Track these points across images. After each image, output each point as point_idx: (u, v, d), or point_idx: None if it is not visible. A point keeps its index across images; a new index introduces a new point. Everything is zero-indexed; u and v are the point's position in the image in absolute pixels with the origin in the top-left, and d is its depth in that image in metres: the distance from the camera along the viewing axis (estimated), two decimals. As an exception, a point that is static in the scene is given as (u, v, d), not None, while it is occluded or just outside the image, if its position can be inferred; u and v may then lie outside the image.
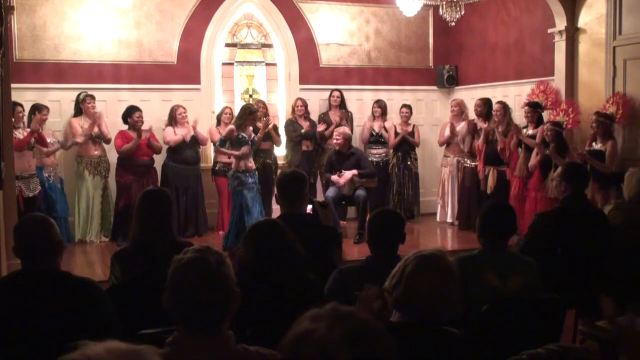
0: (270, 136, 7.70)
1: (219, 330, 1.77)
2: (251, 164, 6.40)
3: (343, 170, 7.18)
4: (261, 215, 6.24)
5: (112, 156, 7.34)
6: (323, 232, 3.83)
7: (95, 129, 7.20)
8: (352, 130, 8.02)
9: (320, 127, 8.11)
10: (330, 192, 7.23)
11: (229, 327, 1.82)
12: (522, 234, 4.74)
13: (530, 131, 6.87)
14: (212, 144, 7.88)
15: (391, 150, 8.32)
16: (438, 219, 8.36)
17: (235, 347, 1.79)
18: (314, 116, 8.34)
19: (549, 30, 7.37)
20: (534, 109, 6.93)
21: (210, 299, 1.76)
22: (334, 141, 7.47)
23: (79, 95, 7.32)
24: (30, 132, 6.44)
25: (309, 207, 6.15)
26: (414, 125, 8.38)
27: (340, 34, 8.76)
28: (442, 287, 2.08)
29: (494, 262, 2.97)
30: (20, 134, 6.45)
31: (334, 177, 7.22)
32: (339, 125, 8.02)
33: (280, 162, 8.12)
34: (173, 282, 1.81)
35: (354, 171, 7.17)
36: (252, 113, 6.46)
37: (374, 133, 8.31)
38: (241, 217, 6.25)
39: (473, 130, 7.66)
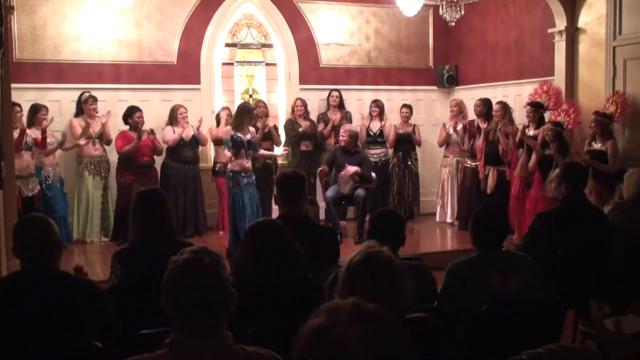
0: (271, 135, 7.71)
1: (217, 330, 1.78)
2: (248, 164, 6.36)
3: (347, 165, 7.18)
4: (255, 216, 6.20)
5: (113, 156, 7.34)
6: (321, 233, 3.83)
7: (98, 128, 7.21)
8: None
9: (321, 127, 8.10)
10: (330, 192, 7.23)
11: (227, 328, 1.82)
12: (523, 234, 4.74)
13: (532, 132, 6.87)
14: (212, 144, 7.89)
15: (391, 150, 8.32)
16: (438, 219, 8.36)
17: (234, 348, 1.79)
18: (313, 116, 8.33)
19: (549, 30, 7.37)
20: (536, 109, 6.93)
21: (206, 300, 1.76)
22: (340, 137, 7.47)
23: (81, 94, 7.32)
24: (22, 130, 6.41)
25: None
26: (414, 125, 8.38)
27: (340, 34, 8.76)
28: (393, 282, 2.04)
29: (494, 263, 2.96)
30: (17, 134, 6.44)
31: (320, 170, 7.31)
32: (337, 125, 8.03)
33: (280, 162, 8.12)
34: (169, 283, 1.81)
35: (357, 168, 7.16)
36: (249, 111, 6.44)
37: (371, 133, 8.31)
38: (238, 218, 6.23)
39: (475, 130, 7.65)
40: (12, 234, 2.72)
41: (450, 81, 8.99)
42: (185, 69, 8.07)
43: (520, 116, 7.52)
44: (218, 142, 7.57)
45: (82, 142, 7.11)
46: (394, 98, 8.84)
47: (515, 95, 7.96)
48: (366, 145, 8.31)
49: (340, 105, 8.36)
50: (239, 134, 6.22)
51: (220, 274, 1.82)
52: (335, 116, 8.22)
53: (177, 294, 1.79)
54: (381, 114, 8.38)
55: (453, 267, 3.00)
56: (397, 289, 2.03)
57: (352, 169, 7.12)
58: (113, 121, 7.45)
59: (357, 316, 1.22)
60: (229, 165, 6.48)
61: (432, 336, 2.14)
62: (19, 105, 6.63)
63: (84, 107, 7.28)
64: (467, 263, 2.99)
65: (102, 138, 7.30)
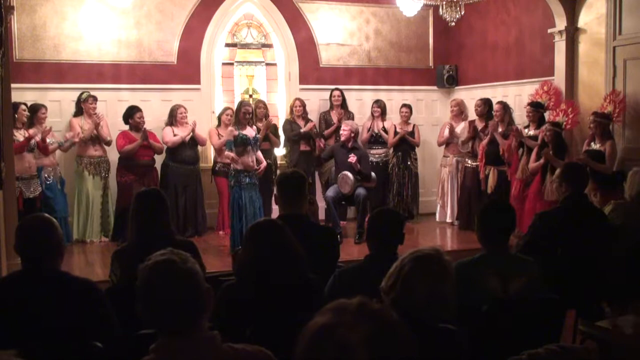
0: (269, 137, 7.69)
1: (199, 330, 1.76)
2: (253, 163, 6.36)
3: (351, 155, 7.16)
4: (257, 215, 6.20)
5: (112, 156, 7.34)
6: (321, 233, 3.83)
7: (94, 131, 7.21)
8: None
9: (310, 126, 8.03)
10: (330, 192, 7.22)
11: (228, 328, 1.81)
12: (523, 234, 4.73)
13: (532, 132, 6.87)
14: (211, 145, 7.88)
15: (391, 150, 8.32)
16: (437, 219, 8.36)
17: (221, 347, 1.78)
18: (313, 116, 8.31)
19: (549, 30, 7.37)
20: (536, 109, 6.93)
21: (180, 298, 1.75)
22: (341, 132, 7.47)
23: (81, 94, 7.32)
24: (28, 137, 6.42)
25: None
26: (414, 125, 8.37)
27: (340, 34, 8.76)
28: (439, 287, 2.07)
29: (496, 265, 2.94)
30: (21, 135, 6.44)
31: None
32: (338, 126, 8.01)
33: (280, 162, 8.11)
34: (142, 288, 1.79)
35: (356, 159, 7.11)
36: (242, 107, 6.45)
37: (373, 133, 8.30)
38: (237, 217, 6.23)
39: (474, 132, 7.65)
40: (15, 233, 2.72)
41: (450, 81, 8.99)
42: (185, 69, 8.07)
43: (520, 116, 7.52)
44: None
45: (76, 138, 7.09)
46: (394, 98, 8.84)
47: (515, 95, 7.96)
48: (368, 145, 8.29)
49: (342, 105, 8.35)
50: (243, 132, 6.25)
51: (190, 270, 1.80)
52: (337, 117, 8.19)
53: (150, 297, 1.77)
54: (383, 114, 8.38)
55: (455, 267, 3.00)
56: (444, 292, 2.06)
57: (352, 159, 7.10)
58: (113, 121, 7.45)
59: (362, 316, 1.21)
60: (233, 164, 6.47)
61: (456, 345, 2.16)
62: (25, 104, 6.64)
63: (83, 106, 7.28)
64: (469, 265, 2.98)
65: (100, 140, 7.29)
